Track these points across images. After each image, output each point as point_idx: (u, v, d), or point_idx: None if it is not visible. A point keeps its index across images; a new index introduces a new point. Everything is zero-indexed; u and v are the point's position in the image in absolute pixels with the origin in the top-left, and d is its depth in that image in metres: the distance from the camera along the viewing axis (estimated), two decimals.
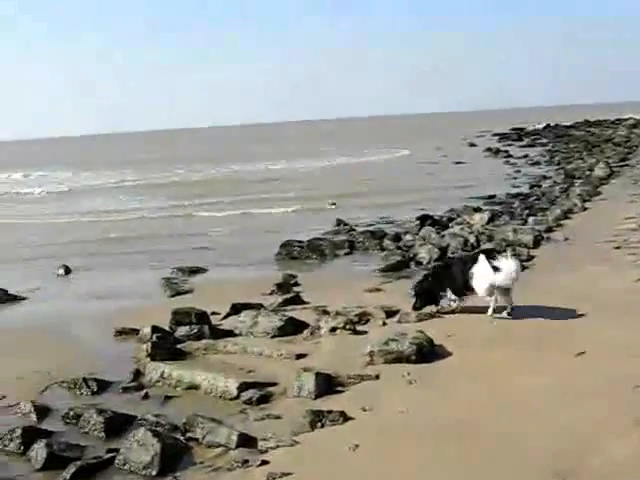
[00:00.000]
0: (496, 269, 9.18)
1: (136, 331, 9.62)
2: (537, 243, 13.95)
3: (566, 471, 5.15)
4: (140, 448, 5.94)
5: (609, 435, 5.63)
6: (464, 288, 9.57)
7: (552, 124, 79.27)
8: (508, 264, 9.22)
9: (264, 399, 7.17)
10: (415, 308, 9.66)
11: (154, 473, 5.81)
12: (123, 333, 9.84)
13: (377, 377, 7.41)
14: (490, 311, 9.32)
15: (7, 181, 52.17)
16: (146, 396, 7.59)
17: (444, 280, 9.69)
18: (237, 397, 7.28)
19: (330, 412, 6.50)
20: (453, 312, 9.57)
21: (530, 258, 12.76)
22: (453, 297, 9.66)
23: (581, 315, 8.99)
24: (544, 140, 55.20)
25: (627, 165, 29.53)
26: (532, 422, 6.04)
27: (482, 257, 9.49)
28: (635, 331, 8.14)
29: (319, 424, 6.39)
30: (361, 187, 29.94)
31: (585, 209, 18.39)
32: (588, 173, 26.81)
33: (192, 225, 22.14)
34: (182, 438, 6.32)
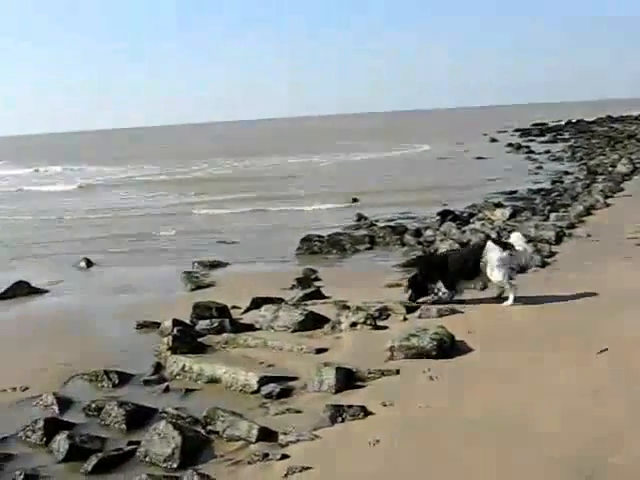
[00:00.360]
0: (510, 253, 9.58)
1: (157, 324, 9.67)
2: (559, 239, 13.88)
3: (590, 470, 5.11)
4: (161, 441, 5.96)
5: (633, 435, 5.57)
6: (464, 279, 9.91)
7: (574, 120, 78.78)
8: (522, 246, 9.70)
9: (284, 393, 7.17)
10: (410, 299, 9.96)
11: (175, 465, 5.83)
12: (144, 326, 9.89)
13: (397, 372, 7.38)
14: (511, 299, 9.47)
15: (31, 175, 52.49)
16: (167, 389, 7.62)
17: (434, 272, 9.94)
18: (257, 391, 7.28)
19: (350, 407, 6.48)
20: (446, 303, 9.71)
21: (552, 254, 12.68)
22: (443, 289, 9.89)
23: (603, 312, 8.91)
24: (566, 136, 54.95)
25: None
26: (555, 421, 5.99)
27: (490, 243, 9.81)
28: None
29: (339, 419, 6.37)
30: (382, 183, 29.90)
31: (608, 205, 18.26)
32: (610, 169, 26.65)
33: (212, 221, 22.19)
34: (203, 431, 6.33)
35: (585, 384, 6.67)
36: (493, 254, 9.59)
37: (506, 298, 9.57)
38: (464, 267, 9.83)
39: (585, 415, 6.01)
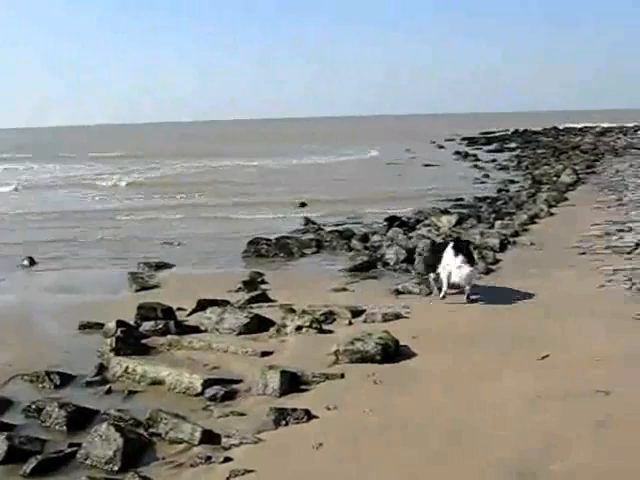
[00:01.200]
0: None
1: (101, 325, 9.55)
2: (503, 247, 14.07)
3: (529, 474, 5.19)
4: (102, 443, 5.90)
5: (571, 439, 5.68)
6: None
7: (520, 129, 79.95)
8: (461, 269, 10.11)
9: (228, 396, 7.15)
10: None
11: (116, 468, 5.77)
12: (87, 327, 9.77)
13: (342, 376, 7.42)
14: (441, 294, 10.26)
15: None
16: (109, 391, 7.54)
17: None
18: (201, 393, 7.26)
19: (294, 410, 6.49)
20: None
21: (496, 261, 12.85)
22: (432, 276, 10.55)
23: (545, 319, 9.07)
24: (512, 145, 55.67)
25: (593, 172, 29.87)
26: (496, 424, 6.08)
27: (449, 248, 10.40)
28: (597, 336, 8.22)
29: (283, 422, 6.38)
30: (330, 187, 29.96)
31: (551, 214, 18.57)
32: (555, 179, 27.09)
33: (157, 224, 21.92)
34: (145, 433, 6.28)
35: (526, 389, 6.77)
36: (446, 256, 10.31)
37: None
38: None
39: (525, 420, 6.11)
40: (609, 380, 6.80)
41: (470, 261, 10.29)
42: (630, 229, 14.98)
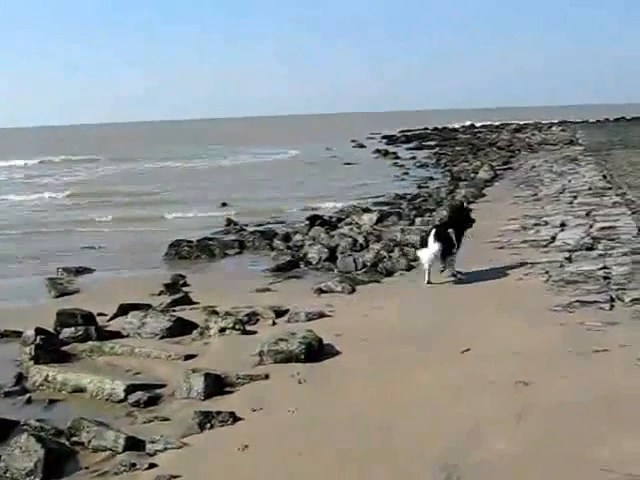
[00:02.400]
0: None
1: (19, 333, 9.32)
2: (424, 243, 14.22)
3: (452, 466, 5.27)
4: (22, 454, 5.76)
5: (492, 431, 5.78)
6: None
7: (440, 127, 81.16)
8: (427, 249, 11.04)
9: (152, 401, 7.07)
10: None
11: None
12: (4, 335, 9.54)
13: (267, 377, 7.41)
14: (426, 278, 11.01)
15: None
16: (29, 400, 7.38)
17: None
18: (124, 399, 7.16)
19: (219, 413, 6.45)
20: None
21: (417, 258, 12.98)
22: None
23: (466, 313, 9.23)
24: (431, 143, 56.44)
25: (510, 168, 30.47)
26: (420, 419, 6.16)
27: (434, 231, 11.27)
28: (516, 328, 8.40)
29: (208, 425, 6.33)
30: (251, 187, 29.92)
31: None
32: (473, 175, 27.59)
33: (77, 226, 21.55)
34: (67, 443, 6.16)
35: (449, 383, 6.88)
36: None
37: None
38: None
39: (448, 413, 6.20)
40: (528, 371, 6.95)
41: (442, 241, 10.97)
42: (546, 223, 15.31)
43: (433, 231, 11.26)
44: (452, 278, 11.17)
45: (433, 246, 10.92)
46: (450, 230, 11.26)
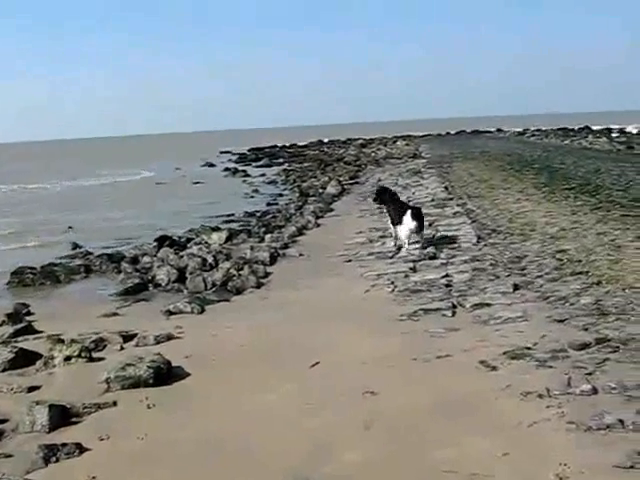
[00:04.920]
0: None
1: None
2: (274, 259, 14.32)
3: (302, 479, 5.32)
4: None
5: (340, 441, 5.88)
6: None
7: (288, 144, 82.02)
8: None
9: None
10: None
11: None
12: None
13: (115, 404, 7.22)
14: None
15: None
16: None
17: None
18: None
19: (65, 445, 6.22)
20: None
21: (267, 275, 13.06)
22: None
23: (315, 326, 9.32)
24: (280, 160, 56.99)
25: (357, 182, 31.18)
26: (270, 435, 6.17)
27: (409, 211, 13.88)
28: (364, 339, 8.56)
29: (54, 459, 6.09)
30: (99, 210, 29.26)
31: (319, 225, 19.14)
32: (321, 191, 28.02)
33: None
34: None
35: (299, 398, 6.93)
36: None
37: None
38: None
39: (298, 428, 6.24)
40: (375, 380, 7.10)
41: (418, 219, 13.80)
42: (391, 235, 15.75)
43: (409, 211, 13.74)
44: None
45: (411, 223, 13.59)
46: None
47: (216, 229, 19.39)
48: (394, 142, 68.73)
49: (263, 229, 18.81)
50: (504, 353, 7.53)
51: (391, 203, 14.61)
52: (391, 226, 14.42)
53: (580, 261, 11.42)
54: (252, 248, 15.06)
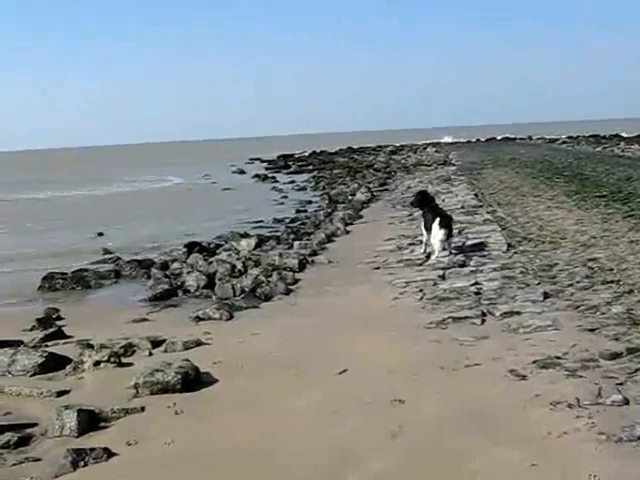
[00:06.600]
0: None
1: None
2: (302, 266, 14.32)
3: None
4: None
5: (367, 449, 5.85)
6: None
7: (318, 150, 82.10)
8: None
9: (23, 441, 6.78)
10: None
11: None
12: None
13: (143, 409, 7.25)
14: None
15: None
16: None
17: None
18: None
19: (93, 450, 6.26)
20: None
21: (296, 281, 13.06)
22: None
23: (344, 334, 9.29)
24: (310, 167, 57.04)
25: (386, 189, 31.10)
26: (297, 444, 6.15)
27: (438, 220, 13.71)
28: (392, 347, 8.53)
29: (82, 463, 6.13)
30: (130, 216, 29.47)
31: (348, 232, 19.12)
32: (350, 197, 27.99)
33: None
34: None
35: (326, 406, 6.91)
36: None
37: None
38: None
39: (325, 436, 6.23)
40: (403, 389, 7.07)
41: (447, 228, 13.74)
42: (420, 242, 15.65)
43: (437, 220, 13.64)
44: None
45: (440, 233, 13.55)
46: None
47: (245, 235, 19.44)
48: (424, 149, 68.59)
49: (292, 236, 18.82)
50: (534, 362, 7.46)
51: (427, 208, 14.42)
52: (424, 231, 14.28)
53: (611, 269, 11.30)
54: (281, 255, 15.07)
